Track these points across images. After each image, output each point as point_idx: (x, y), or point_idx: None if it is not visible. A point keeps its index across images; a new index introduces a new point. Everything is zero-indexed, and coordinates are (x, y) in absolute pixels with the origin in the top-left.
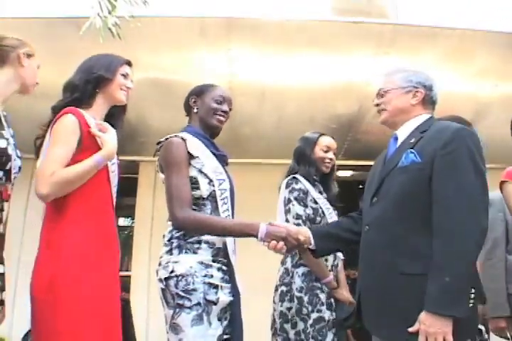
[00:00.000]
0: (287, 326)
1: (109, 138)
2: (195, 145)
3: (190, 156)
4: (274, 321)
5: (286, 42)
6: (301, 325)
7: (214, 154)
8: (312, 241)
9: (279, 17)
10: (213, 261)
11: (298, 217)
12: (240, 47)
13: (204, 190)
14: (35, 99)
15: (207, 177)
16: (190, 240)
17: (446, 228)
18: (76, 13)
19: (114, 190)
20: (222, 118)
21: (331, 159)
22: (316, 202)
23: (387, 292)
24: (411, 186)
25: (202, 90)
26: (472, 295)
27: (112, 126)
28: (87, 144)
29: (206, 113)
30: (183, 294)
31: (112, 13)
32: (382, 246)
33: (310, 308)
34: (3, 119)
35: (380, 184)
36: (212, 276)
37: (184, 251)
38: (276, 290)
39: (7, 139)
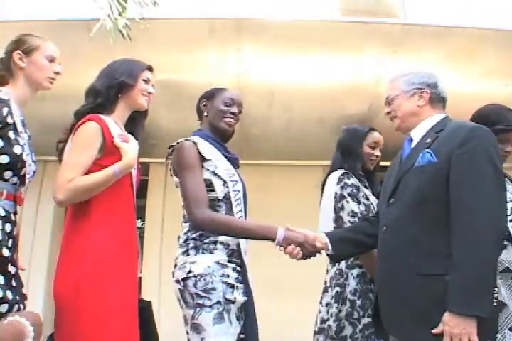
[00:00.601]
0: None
1: (129, 148)
2: (207, 148)
3: (203, 159)
4: (322, 322)
5: (294, 42)
6: (349, 330)
7: (225, 157)
8: (330, 247)
9: (288, 18)
10: (228, 262)
11: (354, 214)
12: (249, 47)
13: (219, 191)
14: (44, 101)
15: (221, 178)
16: (206, 241)
17: (465, 228)
18: (86, 16)
19: (135, 192)
20: (230, 120)
21: (377, 156)
22: (367, 199)
23: (404, 293)
24: (428, 186)
25: (212, 93)
26: (495, 295)
27: (133, 131)
28: (110, 149)
29: (215, 116)
30: (202, 294)
31: (122, 14)
32: (399, 246)
33: (361, 313)
34: (20, 124)
35: (397, 185)
36: (228, 276)
37: (201, 251)
38: (325, 291)
39: (22, 145)
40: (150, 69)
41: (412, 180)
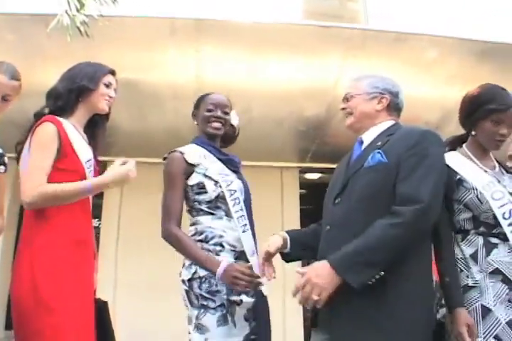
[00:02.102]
0: None
1: (111, 169)
2: (197, 155)
3: (192, 165)
4: None
5: (254, 44)
6: None
7: (220, 159)
8: (288, 245)
9: (249, 19)
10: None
11: None
12: (208, 48)
13: (211, 191)
14: None
15: (212, 179)
16: (211, 242)
17: (393, 215)
18: (44, 10)
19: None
20: (216, 124)
21: None
22: None
23: (347, 292)
24: (377, 186)
25: (198, 102)
26: (376, 275)
27: (93, 134)
28: (65, 152)
29: (202, 123)
30: (207, 295)
31: (80, 11)
32: (344, 243)
33: None
34: None
35: (345, 185)
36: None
37: (207, 253)
38: None
39: None
40: (112, 73)
41: (361, 180)
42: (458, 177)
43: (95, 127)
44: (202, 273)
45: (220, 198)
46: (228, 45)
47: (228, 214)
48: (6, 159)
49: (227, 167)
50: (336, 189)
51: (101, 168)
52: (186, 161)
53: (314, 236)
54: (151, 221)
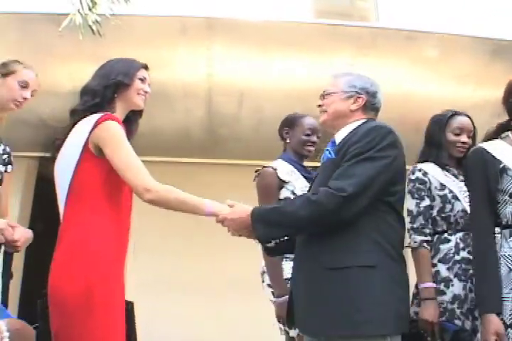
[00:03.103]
0: None
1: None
2: (287, 171)
3: (283, 181)
4: None
5: (266, 42)
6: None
7: (304, 176)
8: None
9: (260, 17)
10: None
11: (408, 213)
12: (219, 47)
13: None
14: None
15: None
16: None
17: (320, 194)
18: (56, 10)
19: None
20: (311, 148)
21: (464, 143)
22: (442, 189)
23: (318, 288)
24: (325, 183)
25: (293, 123)
26: (280, 237)
27: (127, 131)
28: None
29: (297, 144)
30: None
31: (92, 10)
32: (309, 243)
33: None
34: None
35: (311, 185)
36: None
37: (285, 259)
38: None
39: None
40: (146, 67)
41: (316, 179)
42: (502, 165)
43: (129, 124)
44: (284, 275)
45: None
46: (239, 43)
47: None
48: (12, 158)
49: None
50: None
51: None
52: (278, 177)
53: None
54: (163, 220)
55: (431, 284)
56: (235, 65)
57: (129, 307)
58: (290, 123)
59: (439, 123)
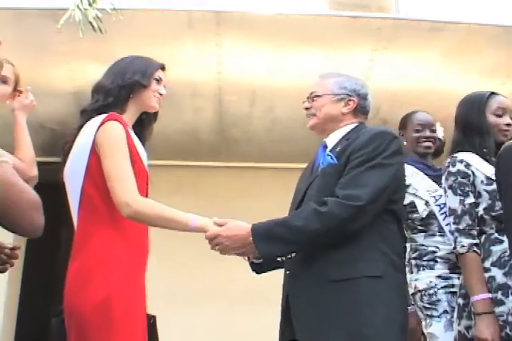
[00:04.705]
0: None
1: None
2: (408, 174)
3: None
4: None
5: (278, 38)
6: None
7: (429, 175)
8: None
9: (271, 11)
10: (451, 273)
11: (451, 212)
12: (229, 43)
13: (421, 210)
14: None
15: (421, 198)
16: (425, 258)
17: (327, 204)
18: (53, 5)
19: None
20: (426, 143)
21: (508, 124)
22: (489, 183)
23: (319, 301)
24: (327, 189)
25: (404, 123)
26: (287, 253)
27: (140, 133)
28: (133, 156)
29: (412, 144)
30: (428, 306)
31: (92, 5)
32: (309, 254)
33: None
34: None
35: (305, 192)
36: (453, 286)
37: (422, 268)
38: None
39: None
40: (163, 68)
41: (315, 185)
42: None
43: (142, 127)
44: (421, 287)
45: (432, 215)
46: (250, 39)
47: (441, 230)
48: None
49: (436, 182)
50: (299, 197)
51: None
52: None
53: None
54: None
55: (486, 295)
56: (247, 61)
57: (152, 321)
58: (402, 124)
59: (477, 104)
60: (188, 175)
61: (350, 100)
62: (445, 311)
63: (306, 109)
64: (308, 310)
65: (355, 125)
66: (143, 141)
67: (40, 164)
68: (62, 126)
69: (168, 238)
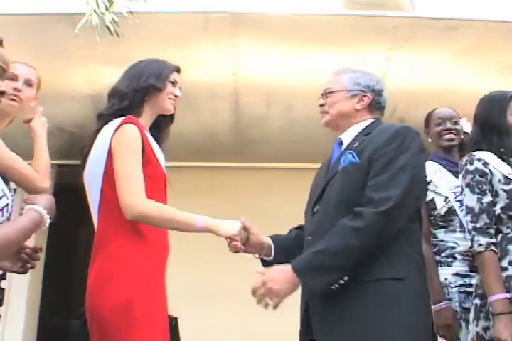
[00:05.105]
0: None
1: (233, 224)
2: (430, 171)
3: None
4: None
5: (294, 38)
6: None
7: (452, 171)
8: (272, 253)
9: (287, 11)
10: (471, 271)
11: (468, 210)
12: (245, 44)
13: (440, 207)
14: None
15: (441, 195)
16: (443, 254)
17: (357, 216)
18: (70, 10)
19: None
20: (448, 136)
21: None
22: (507, 183)
23: (335, 302)
24: (350, 189)
25: (426, 120)
26: (339, 279)
27: (157, 136)
28: (149, 157)
29: (435, 139)
30: (448, 303)
31: (109, 9)
32: None
33: None
34: None
35: (322, 191)
36: (471, 285)
37: (439, 265)
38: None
39: None
40: (178, 70)
41: (335, 184)
42: None
43: (159, 129)
44: None
45: (452, 211)
46: (267, 39)
47: (462, 225)
48: None
49: (457, 177)
50: (315, 196)
51: None
52: None
53: (297, 241)
54: None
55: (504, 295)
56: (263, 62)
57: (174, 322)
58: (425, 122)
59: (498, 104)
60: (206, 176)
61: (364, 96)
62: (455, 311)
63: (321, 105)
64: (328, 311)
65: (370, 121)
66: (160, 143)
67: (58, 167)
68: (81, 129)
69: (181, 238)
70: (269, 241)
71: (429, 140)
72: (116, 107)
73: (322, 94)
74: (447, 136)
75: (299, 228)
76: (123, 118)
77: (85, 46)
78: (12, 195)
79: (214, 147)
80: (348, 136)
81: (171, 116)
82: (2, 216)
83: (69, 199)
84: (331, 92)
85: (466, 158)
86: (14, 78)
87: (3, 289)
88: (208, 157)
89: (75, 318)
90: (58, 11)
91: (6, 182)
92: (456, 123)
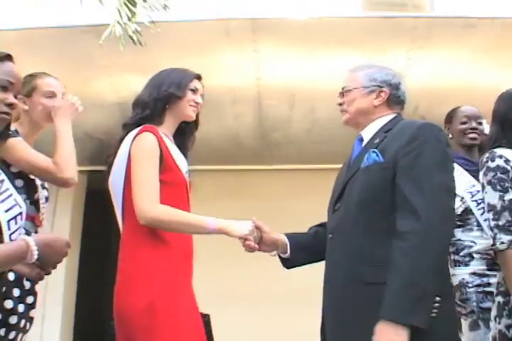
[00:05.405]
0: None
1: (244, 225)
2: None
3: None
4: None
5: (314, 41)
6: None
7: (468, 170)
8: (288, 250)
9: (304, 16)
10: (489, 270)
11: (490, 208)
12: (266, 49)
13: (456, 206)
14: None
15: (458, 195)
16: (461, 254)
17: (407, 233)
18: (94, 21)
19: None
20: (474, 135)
21: None
22: None
23: (353, 303)
24: (374, 188)
25: (449, 117)
26: (436, 304)
27: (181, 143)
28: (168, 164)
29: (458, 135)
30: (459, 303)
31: (131, 19)
32: (347, 254)
33: None
34: None
35: (343, 188)
36: (489, 284)
37: (457, 264)
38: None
39: None
40: (198, 78)
41: (357, 182)
42: None
43: (184, 136)
44: (454, 282)
45: (468, 211)
46: (287, 43)
47: (479, 224)
48: None
49: (475, 177)
50: (336, 193)
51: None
52: None
53: (315, 238)
54: None
55: None
56: (284, 66)
57: (206, 319)
58: (448, 118)
59: None
60: (231, 179)
61: (381, 91)
62: (472, 311)
63: (340, 104)
64: (340, 312)
65: (391, 117)
66: (185, 149)
67: (89, 172)
68: (109, 136)
69: (207, 239)
70: (283, 239)
71: (450, 136)
72: (139, 116)
73: (340, 93)
74: (471, 135)
75: (321, 225)
76: (141, 127)
77: (110, 56)
78: (43, 203)
79: (238, 150)
80: (368, 133)
81: (196, 123)
82: (16, 223)
83: (100, 204)
84: (348, 91)
85: (487, 154)
86: (53, 95)
87: (36, 292)
88: (232, 160)
89: (111, 320)
90: (83, 23)
91: (30, 191)
92: (480, 123)
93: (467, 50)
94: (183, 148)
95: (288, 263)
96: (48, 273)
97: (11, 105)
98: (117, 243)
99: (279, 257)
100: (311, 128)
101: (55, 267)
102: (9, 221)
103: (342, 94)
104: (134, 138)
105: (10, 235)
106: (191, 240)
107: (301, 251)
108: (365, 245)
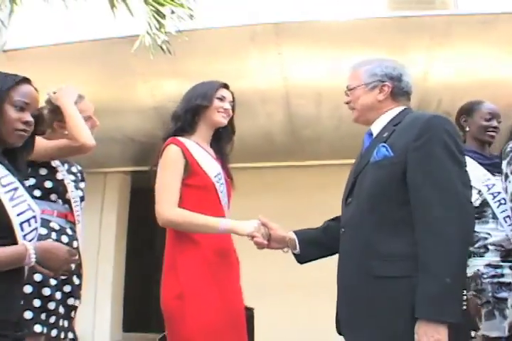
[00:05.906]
0: None
1: (250, 223)
2: None
3: None
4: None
5: (335, 42)
6: None
7: (482, 164)
8: (297, 246)
9: (327, 17)
10: (503, 262)
11: None
12: (290, 51)
13: (474, 199)
14: (97, 115)
15: (475, 188)
16: (476, 246)
17: (429, 228)
18: (129, 32)
19: (226, 207)
20: (493, 133)
21: None
22: None
23: (363, 296)
24: (384, 183)
25: (471, 109)
26: (464, 297)
27: (219, 146)
28: (193, 169)
29: (478, 131)
30: (474, 293)
31: (160, 30)
32: (356, 248)
33: None
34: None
35: (354, 183)
36: (503, 275)
37: (472, 255)
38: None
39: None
40: (225, 86)
41: (367, 177)
42: None
43: (220, 141)
44: (468, 274)
45: (485, 203)
46: (309, 44)
47: (494, 216)
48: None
49: (489, 170)
50: (348, 187)
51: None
52: None
53: (324, 232)
54: None
55: None
56: (308, 66)
57: (249, 313)
58: (468, 110)
59: None
60: (266, 176)
61: (383, 86)
62: (487, 301)
63: (347, 103)
64: (351, 305)
65: (399, 110)
66: (222, 153)
67: (132, 173)
68: (149, 138)
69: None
70: (291, 236)
71: (466, 128)
72: (173, 129)
73: (345, 92)
74: (492, 134)
75: (334, 219)
76: (168, 139)
77: (145, 64)
78: (75, 201)
79: (271, 147)
80: (377, 127)
81: (232, 128)
82: (29, 226)
83: (144, 202)
84: (352, 89)
85: (510, 144)
86: (88, 119)
87: (79, 285)
88: (266, 157)
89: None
90: (119, 35)
91: (60, 192)
92: (500, 122)
93: (488, 45)
94: (220, 152)
95: (300, 259)
96: (55, 276)
97: (27, 123)
98: (160, 237)
99: (292, 253)
100: (338, 124)
101: (59, 271)
102: (22, 223)
103: (347, 92)
104: (163, 150)
105: (24, 236)
106: (228, 239)
107: (310, 246)
108: (375, 239)
